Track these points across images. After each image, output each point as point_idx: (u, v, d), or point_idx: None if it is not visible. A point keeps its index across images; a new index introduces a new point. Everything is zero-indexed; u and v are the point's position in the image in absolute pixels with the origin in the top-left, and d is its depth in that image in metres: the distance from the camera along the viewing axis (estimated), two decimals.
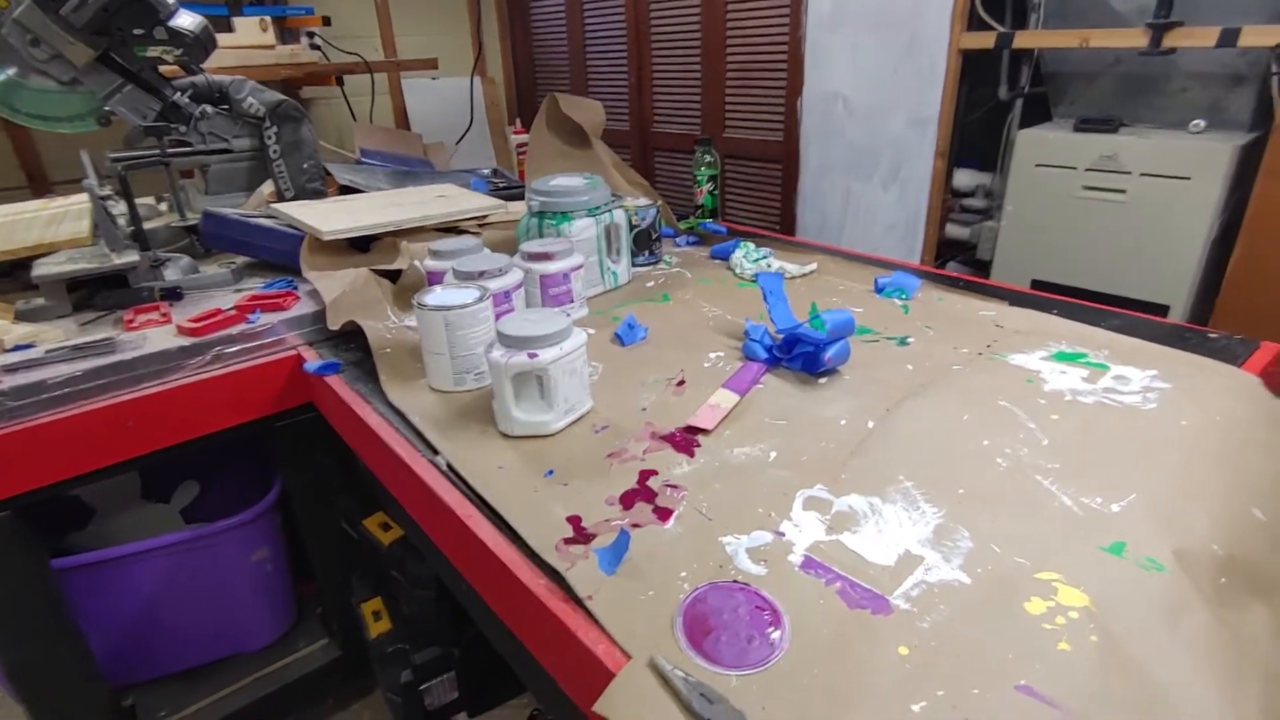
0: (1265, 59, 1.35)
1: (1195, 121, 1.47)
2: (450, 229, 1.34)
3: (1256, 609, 0.57)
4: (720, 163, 1.61)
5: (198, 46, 1.24)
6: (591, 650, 0.52)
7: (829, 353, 0.88)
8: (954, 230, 1.93)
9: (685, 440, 0.78)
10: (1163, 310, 1.50)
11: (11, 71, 1.20)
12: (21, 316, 1.08)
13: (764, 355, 0.94)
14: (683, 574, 0.58)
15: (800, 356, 0.91)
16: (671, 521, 0.65)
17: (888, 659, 0.49)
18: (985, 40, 1.59)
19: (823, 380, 0.89)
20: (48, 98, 1.25)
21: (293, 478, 1.19)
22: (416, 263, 1.15)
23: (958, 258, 2.05)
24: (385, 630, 1.11)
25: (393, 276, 1.18)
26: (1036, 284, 1.69)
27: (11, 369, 0.93)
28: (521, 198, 1.67)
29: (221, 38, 2.12)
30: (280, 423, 1.11)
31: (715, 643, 0.51)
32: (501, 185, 1.76)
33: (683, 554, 0.61)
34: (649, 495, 0.69)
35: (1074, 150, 1.55)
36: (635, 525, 0.65)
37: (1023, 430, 0.75)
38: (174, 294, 1.17)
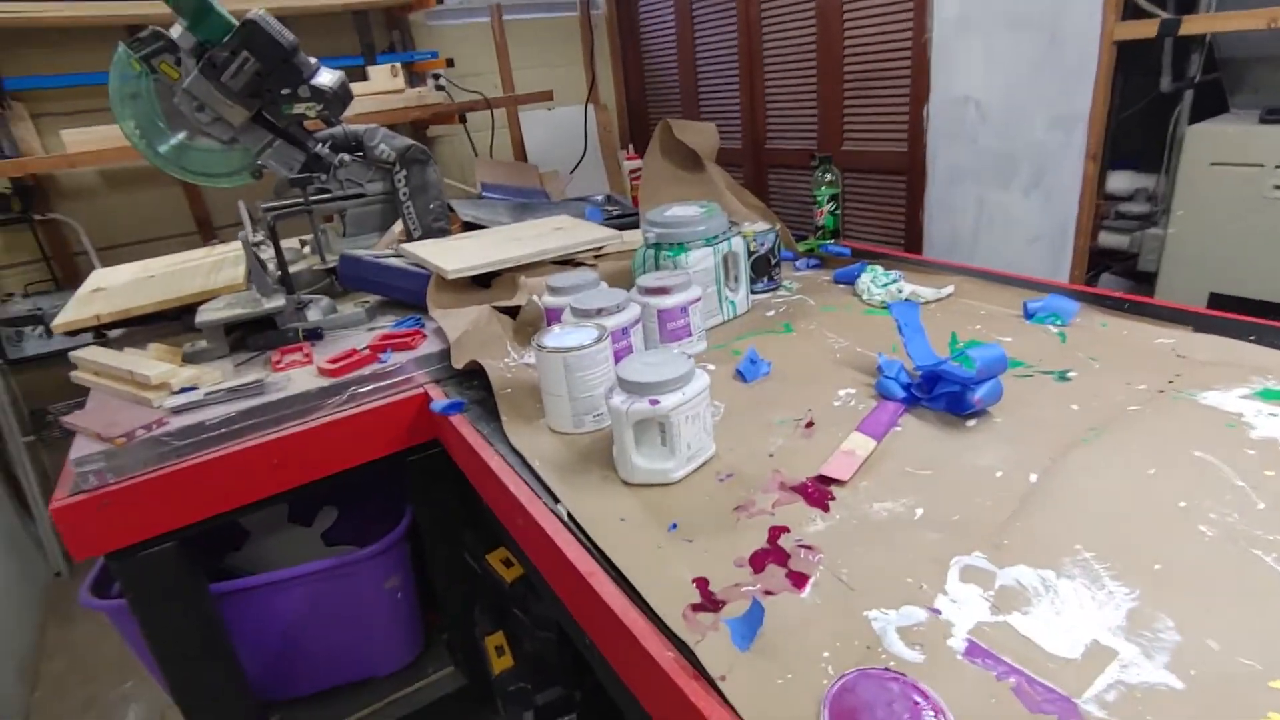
0: None
1: None
2: (567, 261, 1.35)
3: None
4: (841, 180, 1.53)
5: (336, 101, 1.31)
6: None
7: (978, 393, 0.79)
8: (1109, 239, 1.74)
9: (818, 492, 0.72)
10: None
11: (182, 135, 1.33)
12: (188, 359, 1.18)
13: (901, 394, 0.86)
14: (825, 654, 0.53)
15: (944, 396, 0.83)
16: (808, 589, 0.59)
17: None
18: (1145, 29, 1.42)
19: (970, 423, 0.80)
20: (211, 156, 1.38)
21: (421, 510, 1.22)
22: (535, 298, 1.16)
23: (1113, 268, 1.84)
24: (508, 667, 1.12)
25: (512, 312, 1.20)
26: (1215, 299, 1.49)
27: (179, 410, 1.01)
28: (635, 225, 1.67)
29: (358, 86, 2.27)
30: (410, 458, 1.14)
31: None
32: (616, 214, 1.76)
33: (823, 630, 0.55)
34: (781, 557, 0.64)
35: (1260, 145, 1.35)
36: (768, 592, 0.60)
37: (1229, 489, 0.64)
38: (315, 334, 1.24)
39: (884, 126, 2.10)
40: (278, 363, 1.13)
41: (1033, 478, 0.69)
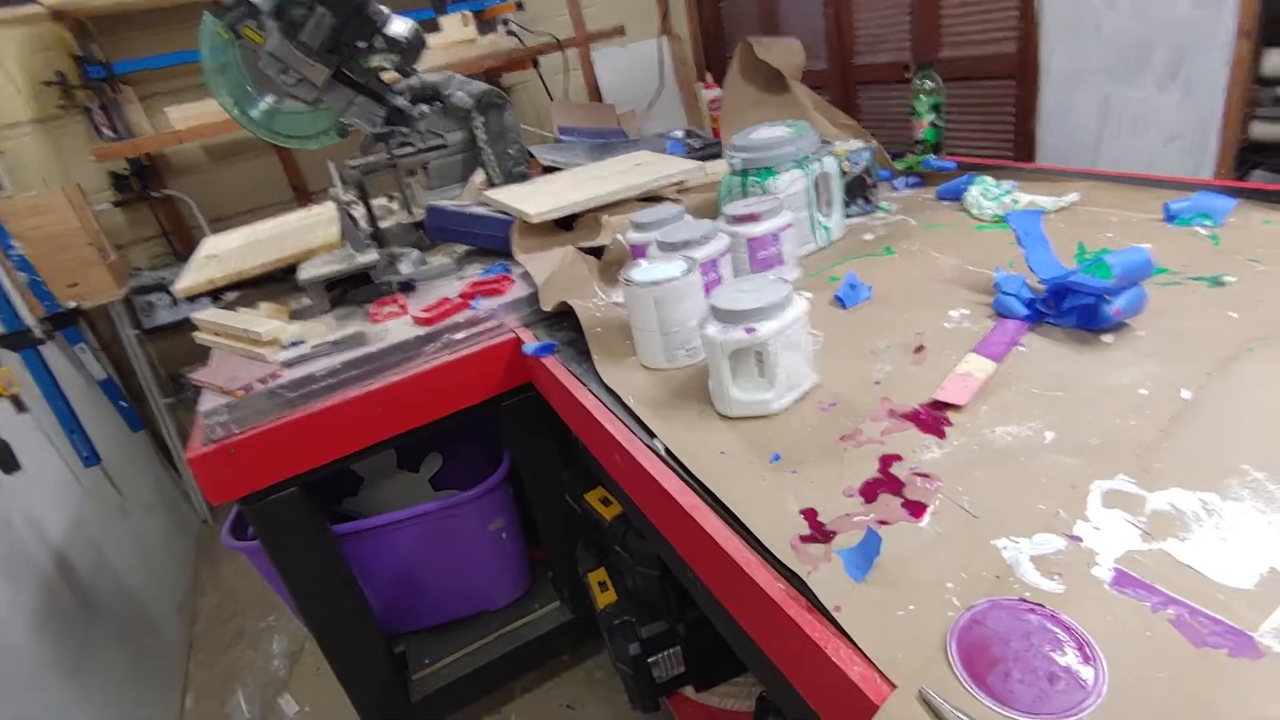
0: None
1: None
2: (651, 198, 1.31)
3: None
4: (943, 89, 1.40)
5: (411, 49, 1.31)
6: (846, 673, 0.46)
7: (1117, 303, 0.70)
8: (1264, 130, 1.52)
9: (933, 419, 0.67)
10: None
11: (270, 99, 1.36)
12: (295, 316, 1.23)
13: (1024, 311, 0.79)
14: (949, 585, 0.49)
15: (1075, 310, 0.74)
16: (926, 519, 0.55)
17: None
18: None
19: (1107, 339, 0.72)
20: (299, 119, 1.41)
21: (518, 454, 1.25)
22: (619, 236, 1.13)
23: (1265, 164, 1.61)
24: (611, 601, 1.14)
25: (597, 253, 1.18)
26: None
27: (289, 364, 1.05)
28: (718, 157, 1.60)
29: (431, 39, 2.27)
30: (505, 403, 1.16)
31: (1004, 678, 0.42)
32: (698, 146, 1.70)
33: (946, 560, 0.51)
34: (895, 486, 0.60)
35: None
36: (882, 522, 0.56)
37: None
38: (408, 286, 1.26)
39: (988, 25, 1.91)
40: (375, 315, 1.16)
41: (1186, 395, 0.61)
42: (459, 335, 1.09)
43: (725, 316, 0.71)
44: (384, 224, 1.43)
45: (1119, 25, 1.55)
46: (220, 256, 1.45)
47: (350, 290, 1.27)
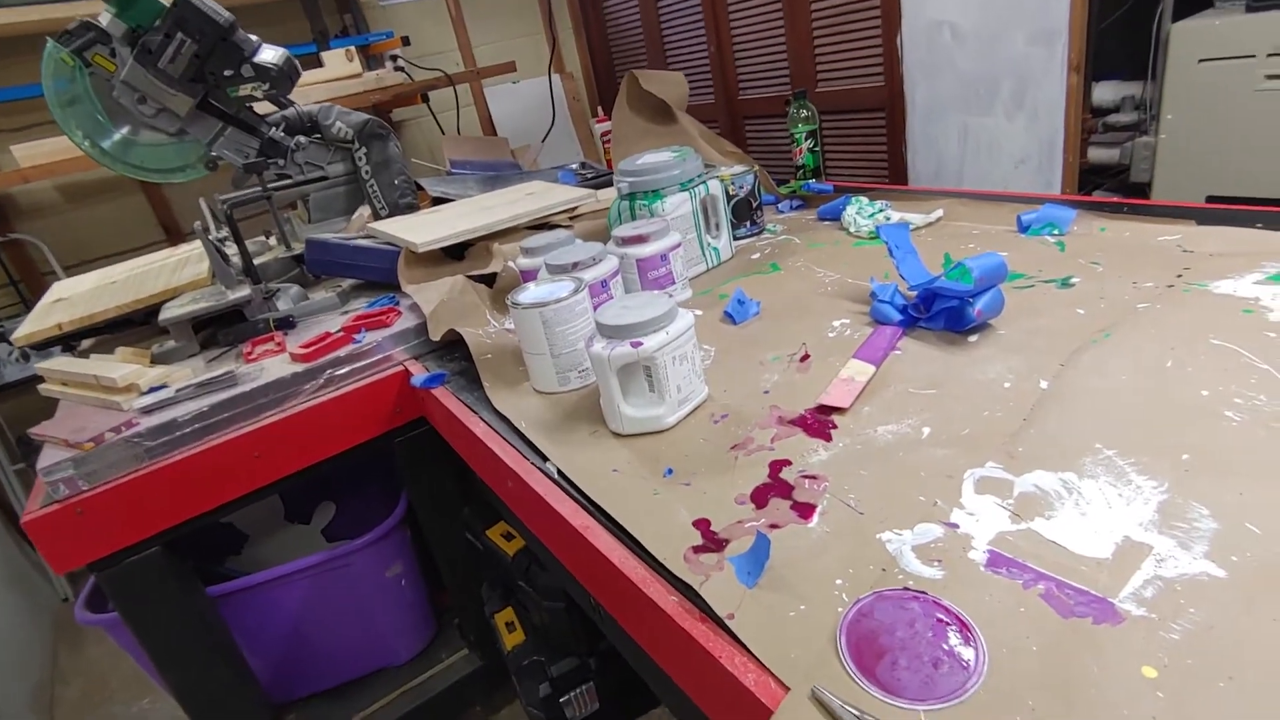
0: None
1: None
2: (542, 226, 1.30)
3: None
4: (818, 117, 1.48)
5: (283, 78, 1.25)
6: (740, 680, 0.44)
7: (979, 305, 0.75)
8: (1099, 154, 1.69)
9: (819, 423, 0.68)
10: None
11: (125, 130, 1.27)
12: (157, 360, 1.13)
13: (897, 317, 0.82)
14: (838, 582, 0.49)
15: (942, 313, 0.78)
16: (815, 519, 0.56)
17: (1130, 683, 0.38)
18: None
19: (973, 338, 0.76)
20: (160, 151, 1.32)
21: (416, 492, 1.19)
22: (510, 263, 1.11)
23: (1104, 185, 1.79)
24: (519, 642, 1.09)
25: (489, 281, 1.15)
26: (1213, 201, 1.44)
27: (148, 410, 0.96)
28: (611, 185, 1.61)
29: (312, 73, 2.20)
30: (398, 439, 1.10)
31: (891, 667, 0.42)
32: (590, 176, 1.71)
33: (834, 558, 0.51)
34: (785, 489, 0.60)
35: (1249, 36, 1.30)
36: (773, 526, 0.56)
37: (1254, 373, 0.60)
38: (287, 323, 1.19)
39: (858, 63, 2.04)
40: (249, 354, 1.08)
41: (1044, 384, 0.65)
42: (342, 370, 1.04)
43: (611, 332, 0.70)
44: (260, 259, 1.35)
45: (969, 62, 1.69)
46: (69, 300, 1.32)
47: (222, 330, 1.18)
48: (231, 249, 1.30)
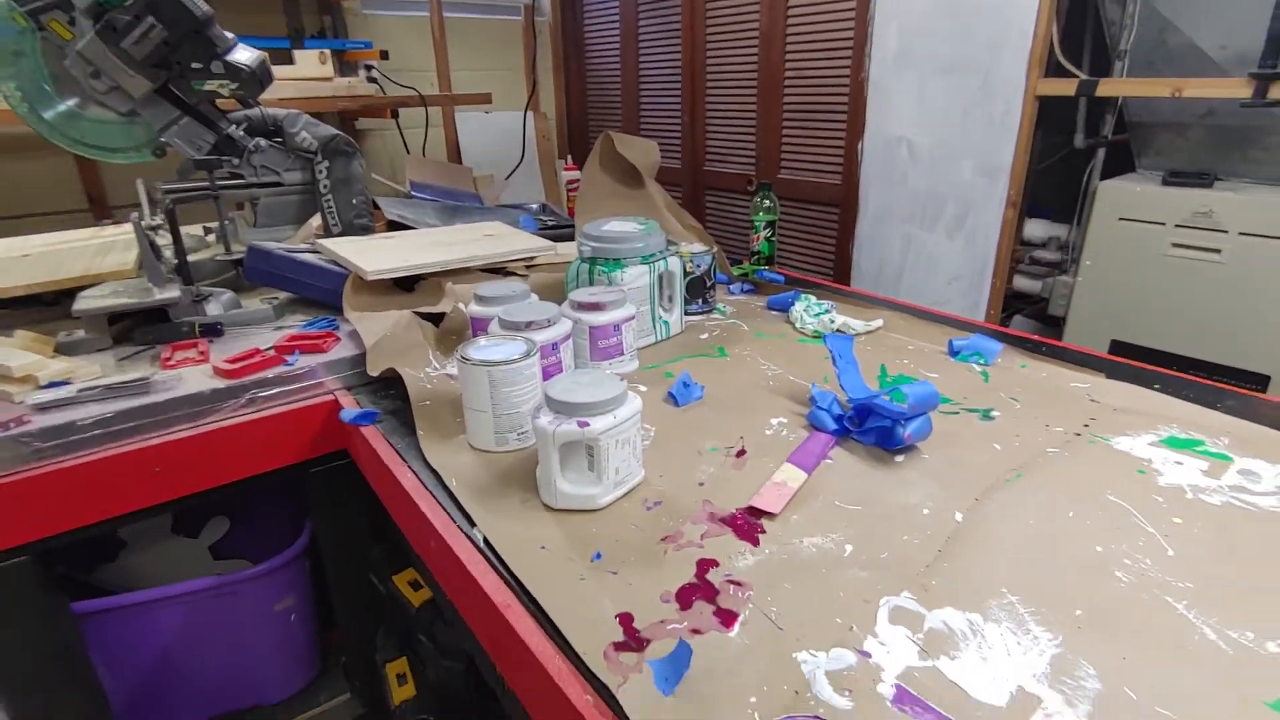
0: None
1: None
2: (496, 270, 1.30)
3: None
4: (778, 209, 1.54)
5: (254, 81, 1.22)
6: None
7: (909, 429, 0.79)
8: (1023, 283, 1.82)
9: (748, 525, 0.70)
10: (1263, 381, 1.37)
11: (72, 103, 1.20)
12: (61, 350, 1.06)
13: (833, 426, 0.86)
14: (752, 699, 0.50)
15: (875, 430, 0.82)
16: (736, 629, 0.57)
17: None
18: (1065, 87, 1.50)
19: (899, 458, 0.80)
20: (106, 128, 1.25)
21: (323, 526, 1.13)
22: (461, 305, 1.10)
23: (1025, 310, 1.93)
24: (409, 697, 1.04)
25: (436, 319, 1.13)
26: (1116, 345, 1.57)
27: (43, 408, 0.89)
28: (570, 237, 1.63)
29: (282, 70, 2.15)
30: (314, 469, 1.06)
31: None
32: (550, 224, 1.72)
33: (751, 673, 0.52)
34: (710, 592, 0.61)
35: (1163, 205, 1.45)
36: (695, 631, 0.56)
37: (1141, 535, 0.65)
38: (214, 330, 1.14)
39: (820, 159, 2.15)
40: (167, 359, 1.03)
41: (958, 516, 0.69)
42: (267, 392, 0.99)
43: (560, 408, 0.71)
44: (195, 257, 1.29)
45: (920, 179, 1.81)
46: None
47: (140, 329, 1.11)
48: (164, 240, 1.23)
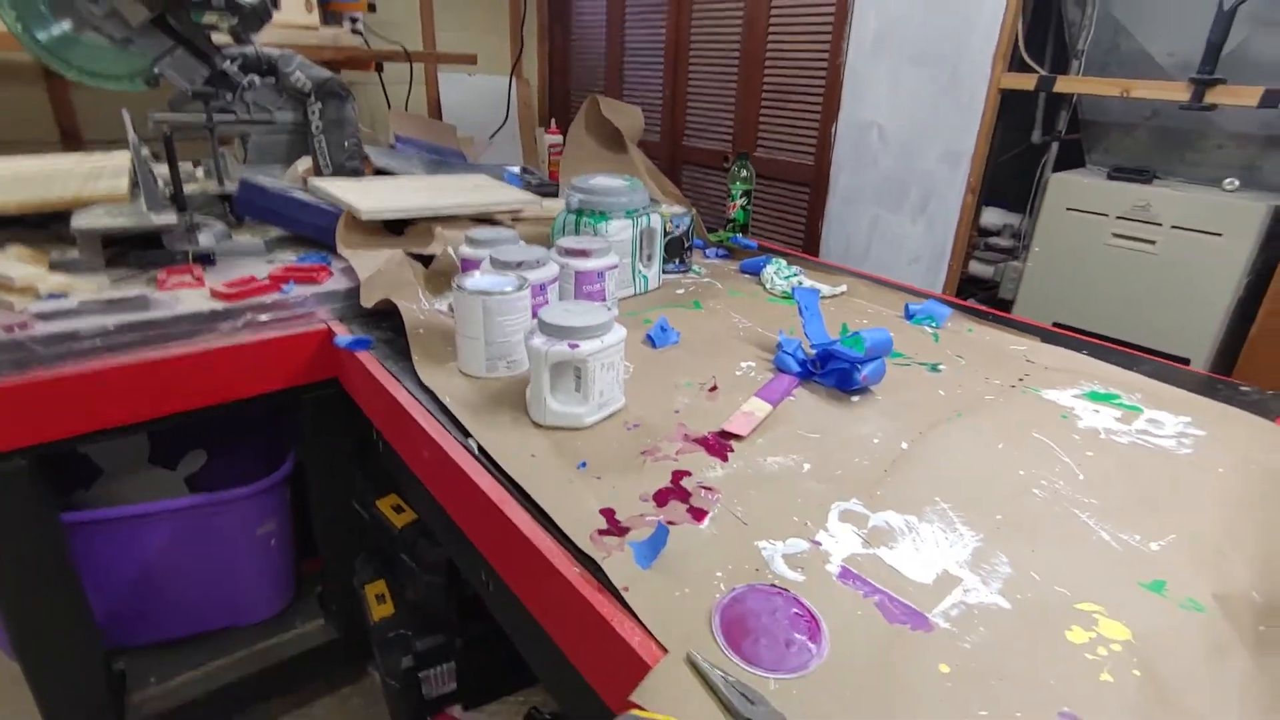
0: None
1: (1229, 180, 1.48)
2: (484, 219, 1.35)
3: None
4: (754, 179, 1.62)
5: (253, 17, 1.24)
6: (627, 641, 0.52)
7: (865, 370, 0.87)
8: (977, 268, 1.94)
9: (719, 445, 0.77)
10: (1184, 363, 1.50)
11: (66, 26, 1.21)
12: (55, 267, 1.08)
13: (797, 368, 0.94)
14: (719, 574, 0.58)
15: (834, 373, 0.91)
16: (706, 522, 0.65)
17: (929, 676, 0.49)
18: (1026, 82, 1.60)
19: (855, 399, 0.89)
20: (100, 54, 1.26)
21: (309, 452, 1.18)
22: (450, 249, 1.15)
23: (978, 296, 2.05)
24: (388, 614, 1.10)
25: (425, 261, 1.18)
26: (1058, 326, 1.69)
27: (45, 316, 0.92)
28: (553, 195, 1.68)
29: None
30: (305, 395, 1.10)
31: (754, 644, 0.51)
32: (534, 184, 1.77)
33: (718, 555, 0.60)
34: (683, 495, 0.68)
35: (1106, 198, 1.56)
36: (670, 522, 0.64)
37: (1058, 464, 0.75)
38: (207, 259, 1.17)
39: (795, 138, 2.23)
40: (163, 281, 1.06)
41: (904, 445, 0.78)
42: (263, 317, 1.03)
43: (552, 331, 0.77)
44: (186, 189, 1.31)
45: (888, 164, 1.90)
46: None
47: (134, 252, 1.14)
48: (160, 169, 1.25)
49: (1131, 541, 0.63)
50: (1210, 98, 1.35)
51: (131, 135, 1.15)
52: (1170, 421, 0.85)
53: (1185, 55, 1.43)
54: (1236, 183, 1.47)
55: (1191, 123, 1.51)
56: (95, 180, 1.24)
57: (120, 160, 1.33)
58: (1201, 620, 0.55)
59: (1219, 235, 1.41)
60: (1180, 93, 1.39)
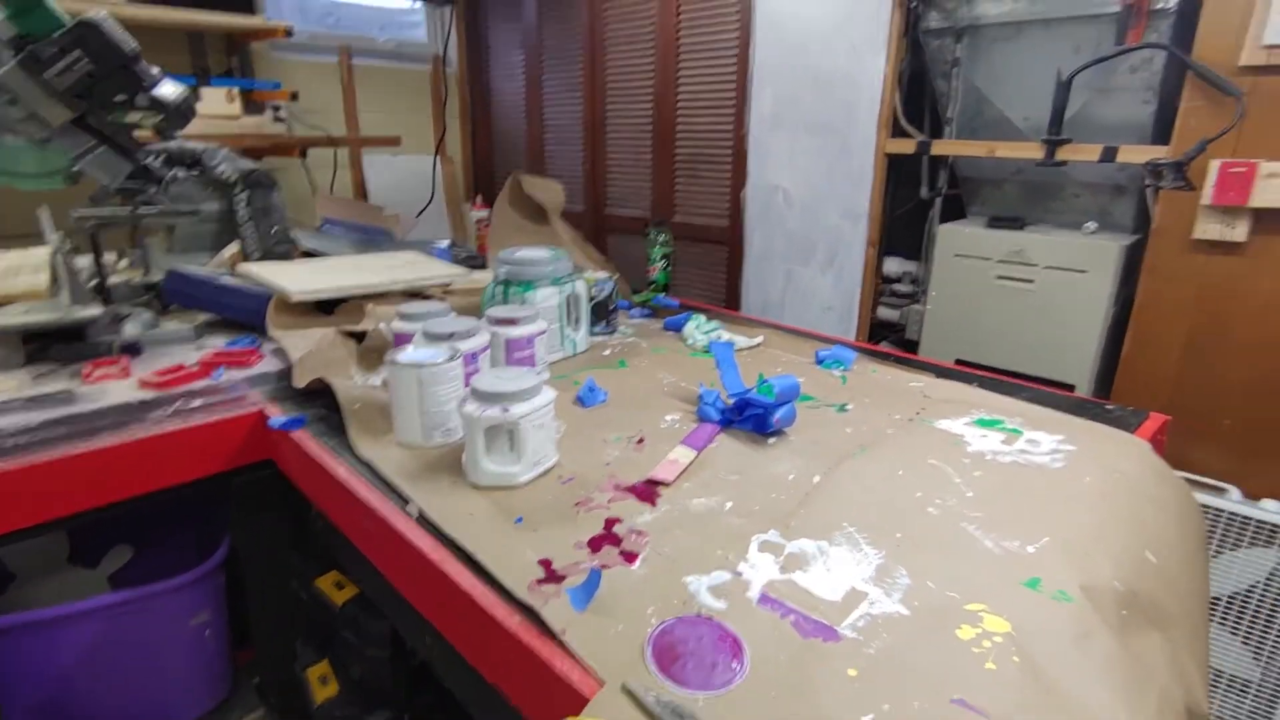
0: (1139, 174, 1.57)
1: (1088, 224, 1.67)
2: (415, 294, 1.39)
3: (1152, 636, 0.65)
4: (673, 244, 1.72)
5: (178, 115, 1.28)
6: (566, 679, 0.56)
7: (777, 414, 0.95)
8: (885, 313, 2.09)
9: (647, 491, 0.83)
10: (1069, 388, 1.65)
11: None
12: None
13: (717, 417, 1.01)
14: (650, 609, 0.63)
15: (751, 418, 0.98)
16: (637, 563, 0.69)
17: (839, 679, 0.54)
18: (907, 146, 1.79)
19: (771, 440, 0.96)
20: (16, 154, 1.27)
21: (244, 536, 1.17)
22: (383, 325, 1.19)
23: (890, 338, 2.20)
24: (332, 695, 1.08)
25: (358, 338, 1.22)
26: (960, 363, 1.84)
27: None
28: (482, 267, 1.74)
29: None
30: (237, 479, 1.10)
31: (683, 668, 0.55)
32: (463, 257, 1.83)
33: (649, 592, 0.65)
34: (615, 540, 0.73)
35: (987, 244, 1.73)
36: (604, 566, 0.69)
37: (950, 485, 0.83)
38: (133, 349, 1.17)
39: (709, 203, 2.38)
40: (88, 374, 1.06)
41: (816, 479, 0.85)
42: (194, 403, 1.04)
43: (484, 397, 0.82)
44: (112, 280, 1.31)
45: (795, 223, 2.06)
46: None
47: (55, 347, 1.13)
48: (83, 263, 1.25)
49: (1011, 547, 0.71)
50: (1061, 155, 1.55)
51: (50, 233, 1.16)
52: (1046, 440, 0.95)
53: (1038, 119, 1.64)
54: (1094, 225, 1.67)
55: (1050, 176, 1.71)
56: (13, 277, 1.24)
57: (39, 256, 1.32)
58: (1071, 609, 0.63)
59: (1084, 272, 1.59)
60: (1036, 151, 1.58)
